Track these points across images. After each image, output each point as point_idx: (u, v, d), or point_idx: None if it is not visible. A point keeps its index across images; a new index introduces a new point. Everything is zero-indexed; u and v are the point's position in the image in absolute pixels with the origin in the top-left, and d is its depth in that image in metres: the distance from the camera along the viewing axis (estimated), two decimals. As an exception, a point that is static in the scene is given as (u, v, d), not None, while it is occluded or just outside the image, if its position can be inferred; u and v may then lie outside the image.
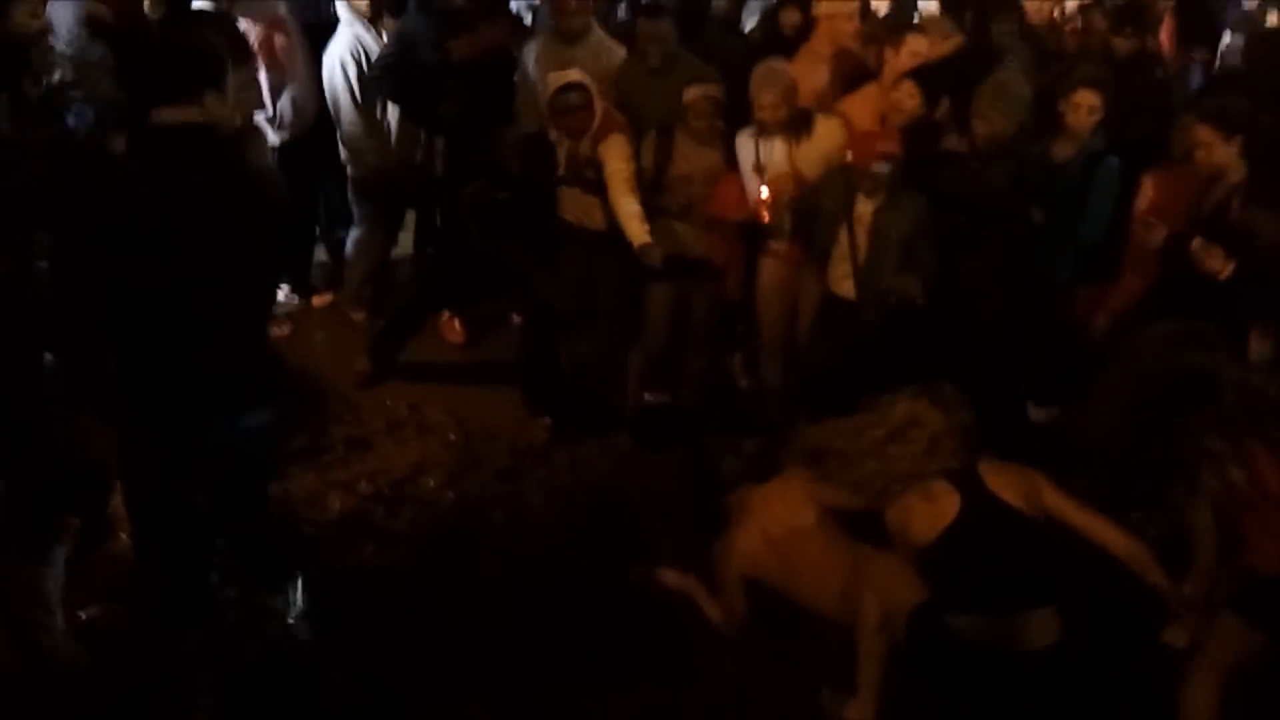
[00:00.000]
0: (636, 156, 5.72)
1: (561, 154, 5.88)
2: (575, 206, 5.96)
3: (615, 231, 5.81)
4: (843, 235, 5.37)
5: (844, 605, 4.26)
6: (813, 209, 5.46)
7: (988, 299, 5.47)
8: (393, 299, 7.09)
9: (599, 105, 5.75)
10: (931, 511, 3.80)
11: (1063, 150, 5.61)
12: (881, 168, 5.23)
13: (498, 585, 4.88)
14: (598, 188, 5.77)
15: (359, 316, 7.20)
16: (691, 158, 5.76)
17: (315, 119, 6.88)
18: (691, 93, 5.70)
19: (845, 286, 5.46)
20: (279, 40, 6.74)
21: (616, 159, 5.66)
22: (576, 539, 5.24)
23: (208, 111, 3.52)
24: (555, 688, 4.28)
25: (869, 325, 5.35)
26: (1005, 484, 3.83)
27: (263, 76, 6.65)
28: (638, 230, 5.56)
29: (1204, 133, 5.01)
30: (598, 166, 5.72)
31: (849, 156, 5.42)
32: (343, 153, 6.89)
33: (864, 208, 5.35)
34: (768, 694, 4.37)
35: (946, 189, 5.42)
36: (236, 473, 3.92)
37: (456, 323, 7.06)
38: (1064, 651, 3.79)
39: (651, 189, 5.73)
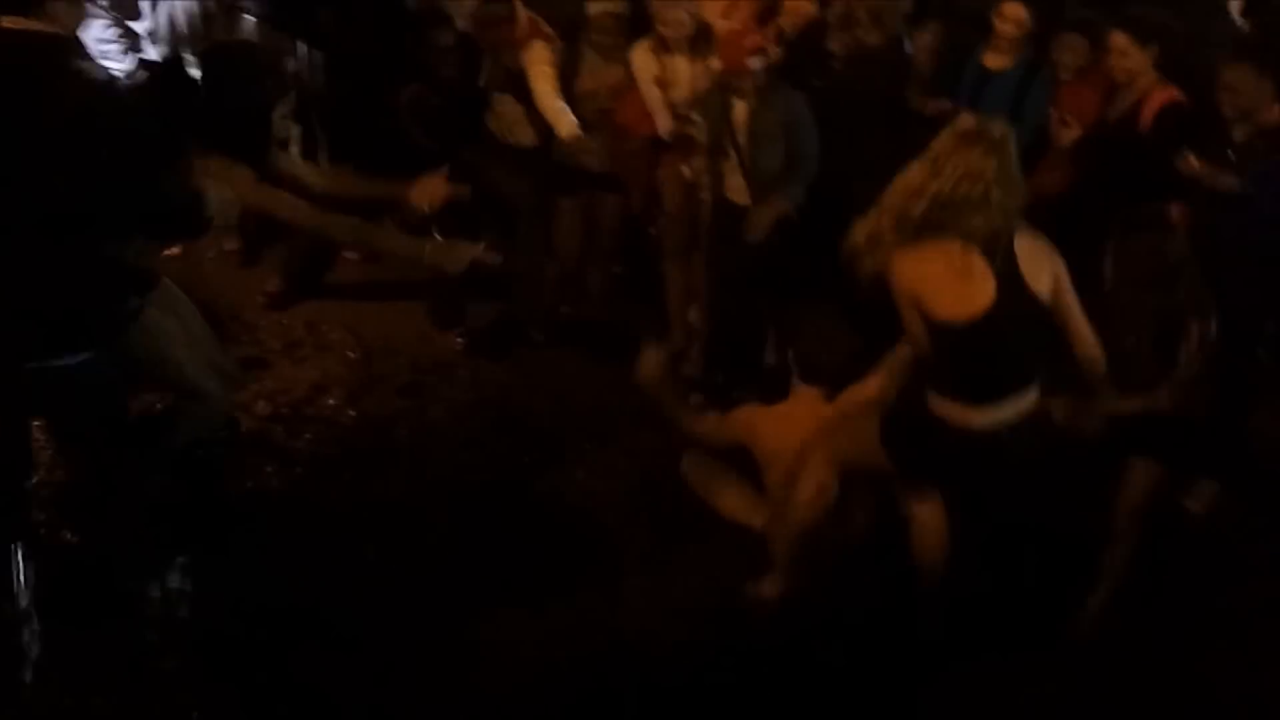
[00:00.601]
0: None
1: (487, 64, 5.79)
2: (502, 121, 5.87)
3: (539, 148, 5.81)
4: (727, 142, 5.32)
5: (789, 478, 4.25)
6: (699, 119, 5.41)
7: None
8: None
9: (523, 15, 5.65)
10: (964, 294, 3.51)
11: (995, 61, 5.59)
12: (753, 64, 5.16)
13: (403, 503, 4.83)
14: (524, 98, 5.68)
15: (231, 246, 6.92)
16: (597, 72, 5.68)
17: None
18: (595, 7, 5.61)
19: (737, 193, 5.42)
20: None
21: (539, 61, 5.58)
22: (482, 454, 5.20)
23: (53, 20, 3.37)
24: (466, 607, 4.24)
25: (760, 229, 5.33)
26: (1036, 269, 3.57)
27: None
28: (566, 124, 5.49)
29: (1120, 40, 5.06)
30: (522, 77, 5.63)
31: (719, 60, 5.33)
32: None
33: (740, 111, 5.28)
34: (686, 599, 4.38)
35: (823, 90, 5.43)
36: (63, 412, 3.77)
37: None
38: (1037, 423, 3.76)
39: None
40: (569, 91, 5.67)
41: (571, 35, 5.75)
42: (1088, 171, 5.21)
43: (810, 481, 4.12)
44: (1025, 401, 3.67)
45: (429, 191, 4.76)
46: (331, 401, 5.53)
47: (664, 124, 5.61)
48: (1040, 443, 3.75)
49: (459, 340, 6.07)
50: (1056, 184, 5.20)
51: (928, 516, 4.04)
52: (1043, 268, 3.58)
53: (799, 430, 4.36)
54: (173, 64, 6.02)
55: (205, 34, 6.37)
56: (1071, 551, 4.31)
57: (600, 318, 6.24)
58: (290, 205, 4.31)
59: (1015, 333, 3.57)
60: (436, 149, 5.60)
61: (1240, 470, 4.67)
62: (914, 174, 3.55)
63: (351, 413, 5.48)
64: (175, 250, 6.70)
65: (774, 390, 5.33)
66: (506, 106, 5.84)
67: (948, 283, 3.51)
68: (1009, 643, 4.06)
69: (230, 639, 4.06)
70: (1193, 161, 4.63)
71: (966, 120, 3.60)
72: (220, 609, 4.20)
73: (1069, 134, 5.24)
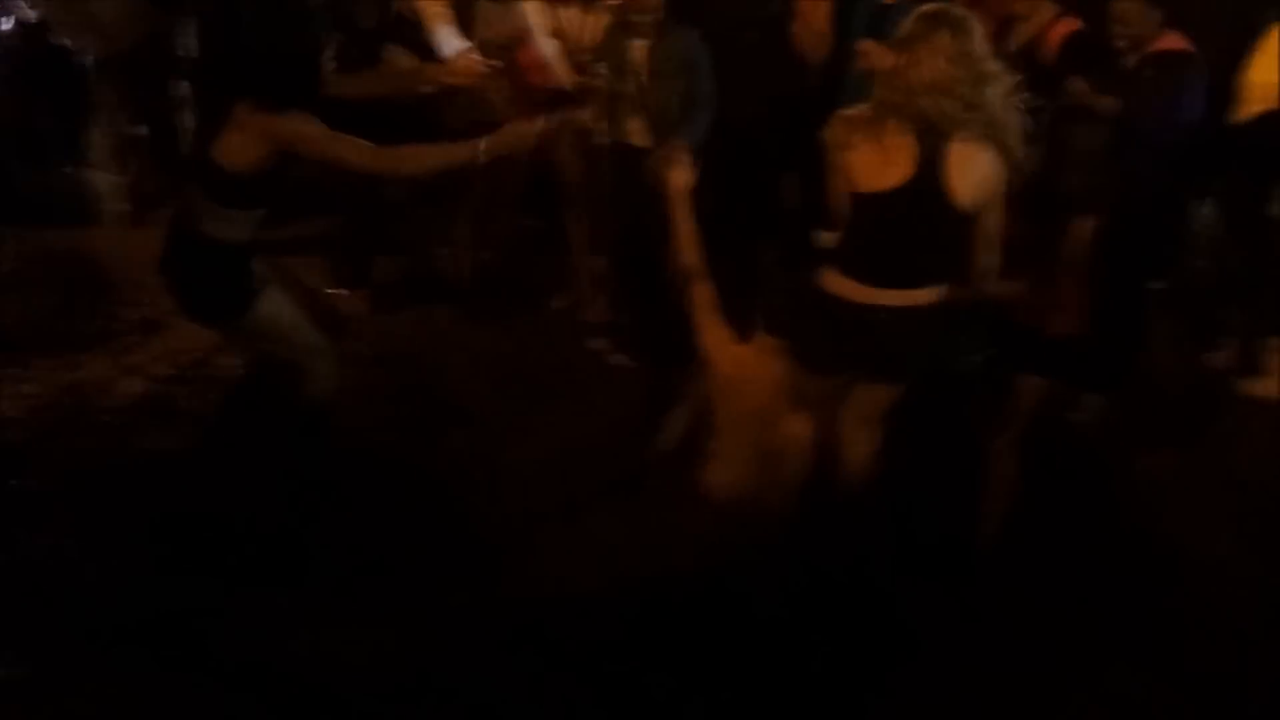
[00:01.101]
0: None
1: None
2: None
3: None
4: (628, 83, 5.30)
5: None
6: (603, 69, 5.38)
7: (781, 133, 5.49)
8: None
9: None
10: (880, 168, 3.54)
11: None
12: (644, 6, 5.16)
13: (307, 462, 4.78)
14: (420, 49, 5.60)
15: (120, 207, 6.83)
16: (493, 22, 5.63)
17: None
18: None
19: (637, 135, 5.40)
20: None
21: (432, 4, 5.51)
22: (389, 409, 5.18)
23: None
24: (372, 565, 4.21)
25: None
26: (966, 175, 3.53)
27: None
28: (452, 49, 5.36)
29: None
30: (417, 27, 5.57)
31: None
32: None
33: (638, 50, 5.25)
34: (605, 558, 4.35)
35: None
36: None
37: None
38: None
39: None
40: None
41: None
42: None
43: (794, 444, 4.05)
44: (916, 296, 3.67)
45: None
46: (230, 361, 5.44)
47: (564, 76, 5.56)
48: (925, 340, 3.79)
49: (365, 296, 6.01)
50: None
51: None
52: (974, 177, 3.54)
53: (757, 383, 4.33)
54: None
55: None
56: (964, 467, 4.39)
57: (507, 271, 6.20)
58: (360, 150, 4.13)
59: (916, 223, 3.58)
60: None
61: (1125, 384, 4.80)
62: (890, 60, 3.58)
63: (254, 371, 5.40)
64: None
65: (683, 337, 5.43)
66: (399, 58, 5.73)
67: (868, 153, 3.56)
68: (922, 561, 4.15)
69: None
70: (1079, 84, 4.72)
71: (930, 4, 3.60)
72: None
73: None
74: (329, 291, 5.57)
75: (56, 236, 6.51)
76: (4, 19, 6.25)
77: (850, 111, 3.65)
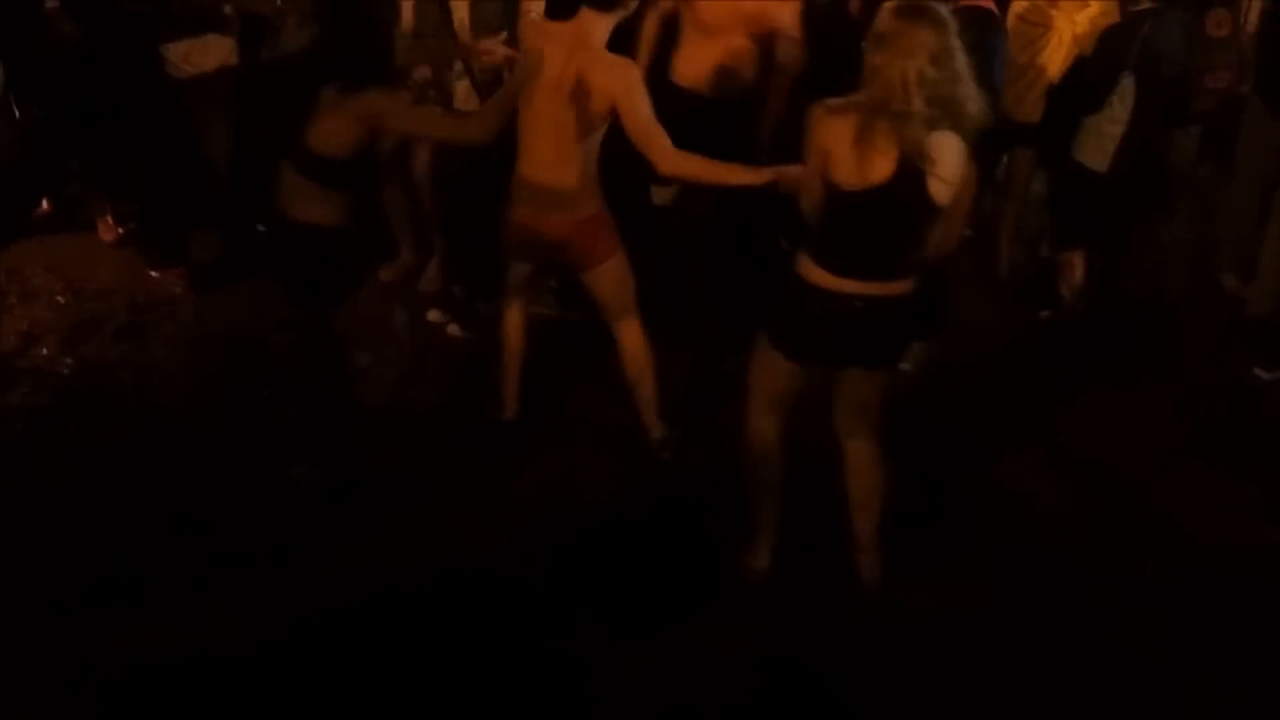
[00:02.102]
0: None
1: None
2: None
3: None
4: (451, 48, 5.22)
5: None
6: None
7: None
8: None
9: None
10: (862, 164, 3.52)
11: None
12: None
13: (132, 449, 4.65)
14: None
15: None
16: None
17: None
18: None
19: (464, 101, 5.33)
20: None
21: None
22: (213, 391, 5.05)
23: None
24: (204, 556, 4.13)
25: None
26: (942, 169, 3.54)
27: None
28: None
29: None
30: None
31: None
32: None
33: (460, 9, 5.21)
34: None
35: None
36: None
37: (110, 219, 6.29)
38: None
39: None
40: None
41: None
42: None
43: None
44: (892, 288, 3.72)
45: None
46: (44, 351, 5.24)
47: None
48: (902, 327, 3.89)
49: (180, 276, 5.84)
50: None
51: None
52: (950, 170, 3.56)
53: None
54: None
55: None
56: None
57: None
58: (439, 119, 4.71)
59: (895, 220, 3.62)
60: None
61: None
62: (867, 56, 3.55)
63: (69, 360, 5.21)
64: None
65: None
66: None
67: (852, 148, 3.53)
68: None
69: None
70: None
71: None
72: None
73: None
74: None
75: None
76: None
77: (833, 102, 3.59)
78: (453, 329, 5.55)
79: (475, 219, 5.39)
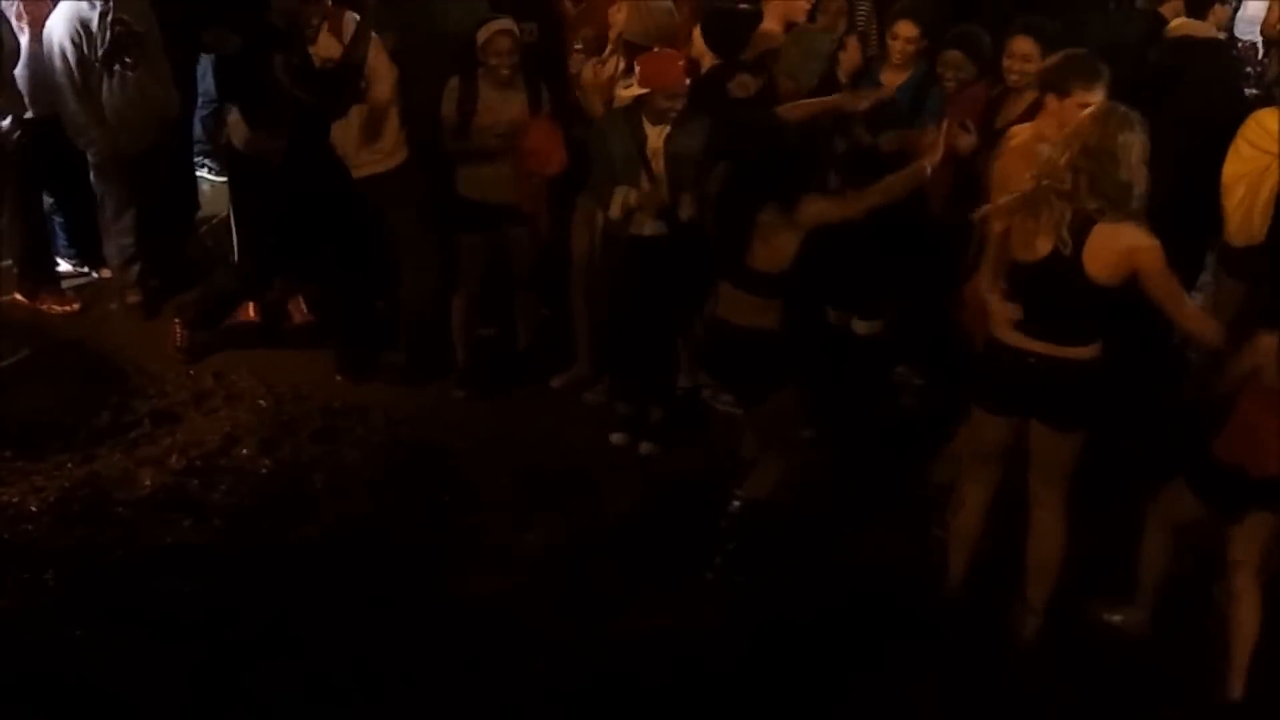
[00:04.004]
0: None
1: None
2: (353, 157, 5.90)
3: (403, 173, 5.93)
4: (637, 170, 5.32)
5: None
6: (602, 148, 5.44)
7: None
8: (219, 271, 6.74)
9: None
10: (1029, 241, 4.02)
11: (890, 79, 5.70)
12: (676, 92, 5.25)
13: (322, 551, 4.84)
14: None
15: (133, 299, 6.80)
16: (495, 107, 5.70)
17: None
18: (486, 31, 5.63)
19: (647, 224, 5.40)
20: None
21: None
22: (401, 495, 5.22)
23: None
24: (395, 655, 4.26)
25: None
26: (1102, 252, 3.90)
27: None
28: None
29: (1023, 44, 5.23)
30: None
31: (636, 82, 5.30)
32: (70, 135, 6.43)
33: (654, 136, 5.32)
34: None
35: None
36: None
37: (301, 302, 6.68)
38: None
39: (456, 136, 5.71)
40: (467, 127, 5.71)
41: (468, 70, 5.72)
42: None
43: None
44: (1066, 351, 4.08)
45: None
46: (245, 451, 5.49)
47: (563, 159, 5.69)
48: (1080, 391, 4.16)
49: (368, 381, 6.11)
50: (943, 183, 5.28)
51: None
52: (1113, 255, 3.89)
53: None
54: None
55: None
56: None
57: (513, 349, 6.29)
58: (844, 204, 4.76)
59: (1056, 290, 4.01)
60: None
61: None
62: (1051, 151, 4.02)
63: (266, 461, 5.44)
64: (75, 306, 6.70)
65: (688, 413, 5.55)
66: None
67: (1022, 226, 4.05)
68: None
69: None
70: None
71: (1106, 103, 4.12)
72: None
73: (967, 140, 5.16)
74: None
75: (65, 326, 6.56)
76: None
77: (1004, 201, 4.13)
78: (645, 447, 5.63)
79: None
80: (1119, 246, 3.88)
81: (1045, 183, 3.93)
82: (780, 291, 4.55)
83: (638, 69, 5.28)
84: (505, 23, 5.67)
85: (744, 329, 4.57)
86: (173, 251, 6.95)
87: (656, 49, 5.42)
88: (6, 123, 6.33)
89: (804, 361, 5.01)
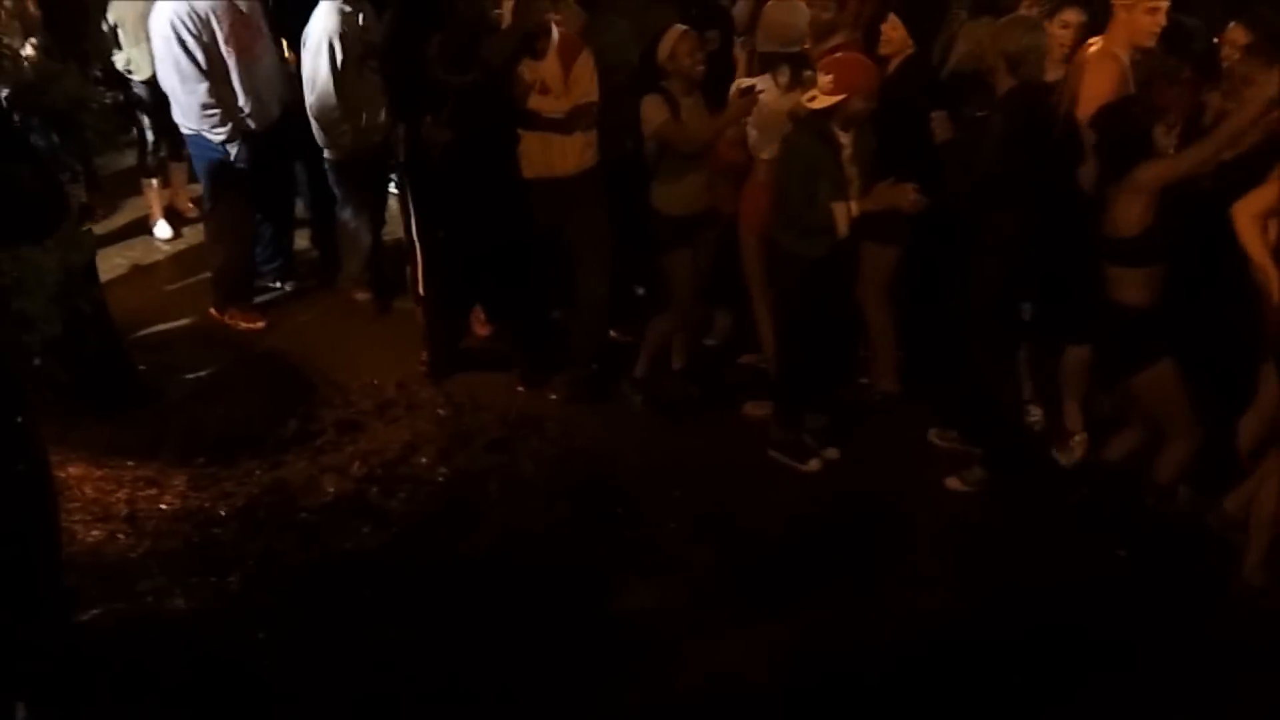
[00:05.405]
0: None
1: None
2: (539, 157, 5.90)
3: (591, 177, 5.93)
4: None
5: None
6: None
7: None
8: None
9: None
10: None
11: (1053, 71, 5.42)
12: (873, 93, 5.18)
13: (495, 559, 4.89)
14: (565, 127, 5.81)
15: (363, 296, 7.13)
16: (697, 114, 5.67)
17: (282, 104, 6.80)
18: (669, 39, 5.57)
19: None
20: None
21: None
22: (571, 507, 5.25)
23: None
24: (559, 667, 4.29)
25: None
26: None
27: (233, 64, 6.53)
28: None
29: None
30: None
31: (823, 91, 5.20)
32: (318, 136, 6.70)
33: (844, 139, 5.24)
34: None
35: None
36: None
37: (481, 311, 6.77)
38: None
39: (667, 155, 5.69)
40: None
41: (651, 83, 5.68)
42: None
43: None
44: None
45: None
46: (423, 460, 5.60)
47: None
48: None
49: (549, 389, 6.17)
50: None
51: None
52: None
53: None
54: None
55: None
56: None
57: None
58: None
59: None
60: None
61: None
62: None
63: (443, 470, 5.54)
64: (261, 324, 6.93)
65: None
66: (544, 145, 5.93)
67: None
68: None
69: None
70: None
71: None
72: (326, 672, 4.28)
73: None
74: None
75: (257, 338, 6.82)
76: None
77: None
78: (824, 455, 5.59)
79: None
80: None
81: None
82: (1144, 258, 4.65)
83: (827, 76, 5.17)
84: (684, 28, 5.62)
85: (1120, 305, 4.71)
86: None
87: (840, 54, 5.32)
88: (228, 140, 6.59)
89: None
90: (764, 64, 5.75)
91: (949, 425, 5.68)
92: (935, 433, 5.74)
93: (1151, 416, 4.96)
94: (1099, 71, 5.00)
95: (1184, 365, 4.78)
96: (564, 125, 5.82)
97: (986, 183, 5.01)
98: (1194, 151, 4.60)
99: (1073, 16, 5.38)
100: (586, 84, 5.83)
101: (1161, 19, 5.01)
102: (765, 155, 5.62)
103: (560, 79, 5.80)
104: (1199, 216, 4.72)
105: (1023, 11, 5.57)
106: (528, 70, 5.79)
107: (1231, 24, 5.12)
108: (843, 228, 5.18)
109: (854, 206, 5.17)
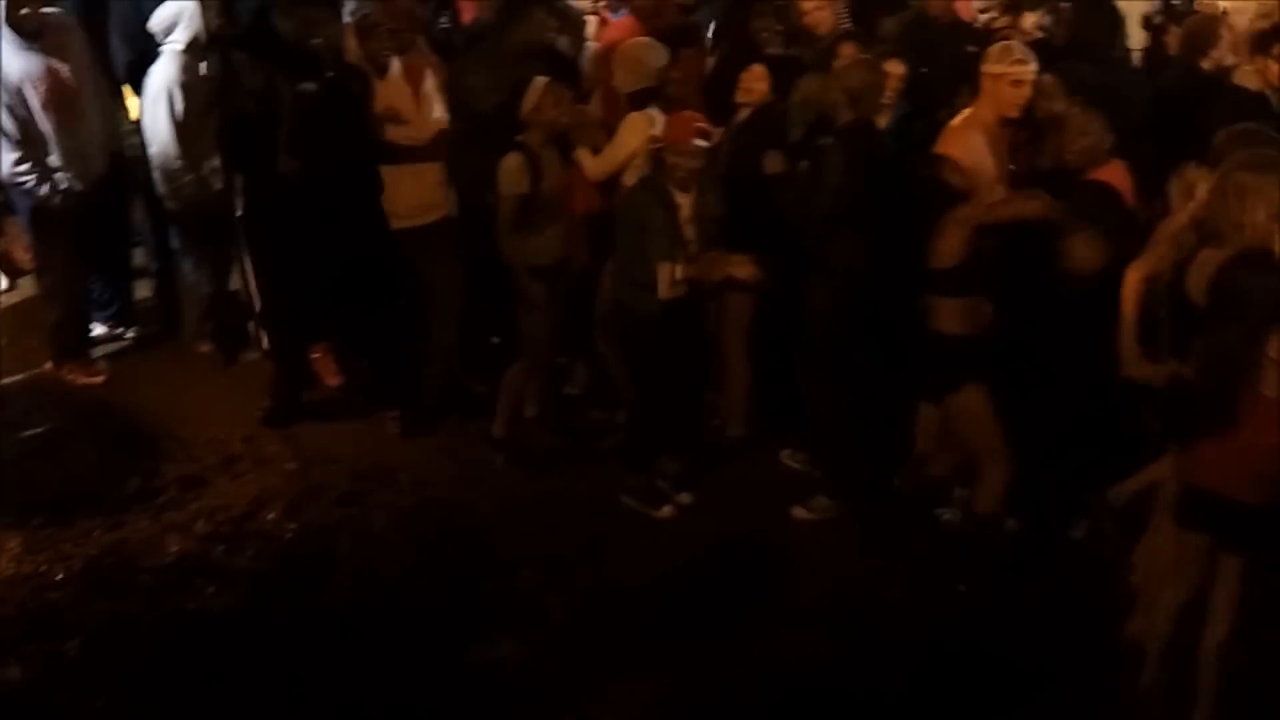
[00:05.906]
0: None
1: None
2: (413, 200, 5.93)
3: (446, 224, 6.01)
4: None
5: None
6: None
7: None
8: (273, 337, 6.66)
9: None
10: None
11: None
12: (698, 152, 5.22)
13: (348, 615, 4.79)
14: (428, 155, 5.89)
15: (206, 348, 6.97)
16: (556, 168, 5.70)
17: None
18: (534, 92, 5.58)
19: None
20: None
21: None
22: (426, 559, 5.18)
23: None
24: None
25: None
26: None
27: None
28: None
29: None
30: None
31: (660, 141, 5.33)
32: (159, 185, 6.56)
33: (682, 199, 5.29)
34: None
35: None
36: None
37: (332, 362, 6.66)
38: None
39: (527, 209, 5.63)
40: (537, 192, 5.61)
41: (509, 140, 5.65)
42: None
43: None
44: None
45: None
46: (271, 516, 5.47)
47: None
48: None
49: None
50: None
51: None
52: None
53: None
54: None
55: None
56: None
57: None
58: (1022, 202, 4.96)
59: None
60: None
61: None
62: None
63: (292, 526, 5.42)
64: (101, 377, 6.71)
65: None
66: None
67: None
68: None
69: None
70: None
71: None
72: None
73: None
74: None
75: (96, 392, 6.60)
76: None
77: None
78: (675, 503, 5.57)
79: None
80: None
81: None
82: (961, 288, 4.85)
83: (665, 126, 5.31)
84: (547, 80, 5.62)
85: (941, 335, 4.90)
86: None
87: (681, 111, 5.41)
88: (48, 201, 6.38)
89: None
90: (633, 103, 5.83)
91: (800, 448, 5.80)
92: (787, 454, 5.84)
93: (965, 444, 5.12)
94: (958, 141, 5.13)
95: (999, 396, 4.94)
96: (427, 153, 5.87)
97: (829, 210, 5.13)
98: (1009, 204, 4.90)
99: (894, 68, 5.59)
100: (438, 105, 5.88)
101: (1027, 91, 5.18)
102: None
103: (411, 101, 5.84)
104: (1021, 251, 4.92)
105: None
106: (378, 99, 5.80)
107: (1045, 75, 5.30)
108: (664, 289, 5.20)
109: (679, 271, 5.20)
